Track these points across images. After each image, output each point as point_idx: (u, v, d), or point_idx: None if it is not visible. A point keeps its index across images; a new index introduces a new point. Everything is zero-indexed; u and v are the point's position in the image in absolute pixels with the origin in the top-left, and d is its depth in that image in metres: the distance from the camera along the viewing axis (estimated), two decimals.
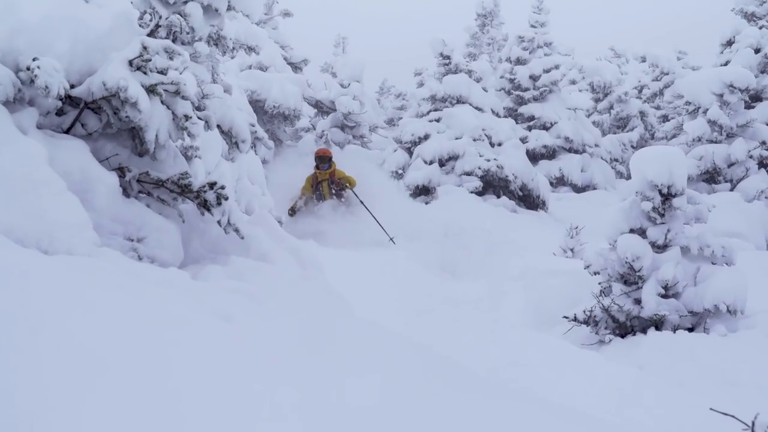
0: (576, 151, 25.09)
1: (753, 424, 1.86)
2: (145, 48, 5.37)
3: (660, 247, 8.36)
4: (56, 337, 2.74)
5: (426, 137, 21.90)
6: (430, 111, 22.80)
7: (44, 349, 2.64)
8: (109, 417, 2.41)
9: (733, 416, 2.03)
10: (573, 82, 32.00)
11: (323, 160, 16.48)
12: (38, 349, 2.63)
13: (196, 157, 8.01)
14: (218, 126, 5.91)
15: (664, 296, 8.14)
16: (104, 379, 2.60)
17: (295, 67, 24.92)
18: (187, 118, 5.61)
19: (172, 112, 5.61)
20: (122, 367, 2.71)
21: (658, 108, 30.35)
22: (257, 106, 21.96)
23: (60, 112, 5.45)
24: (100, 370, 2.64)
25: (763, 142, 17.52)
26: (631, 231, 8.46)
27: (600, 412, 4.90)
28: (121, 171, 5.49)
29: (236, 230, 5.76)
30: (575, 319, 8.60)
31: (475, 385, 4.20)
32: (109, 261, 4.40)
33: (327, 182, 16.55)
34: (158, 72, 5.49)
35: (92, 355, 2.73)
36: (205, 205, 5.63)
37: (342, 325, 4.74)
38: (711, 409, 2.07)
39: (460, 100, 22.37)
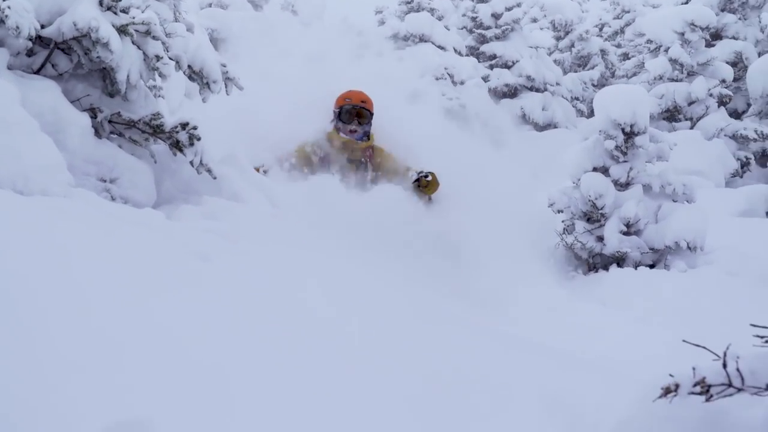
0: (537, 90, 25.09)
1: (725, 354, 1.94)
2: None
3: (622, 185, 8.51)
4: (46, 282, 2.79)
5: None
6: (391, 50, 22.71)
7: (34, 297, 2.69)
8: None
9: (704, 347, 2.11)
10: (534, 20, 31.74)
11: (360, 115, 8.57)
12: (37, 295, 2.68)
13: (159, 96, 7.96)
14: (189, 66, 5.87)
15: (626, 233, 8.31)
16: (94, 322, 2.66)
17: (256, 5, 24.60)
18: (158, 58, 5.58)
19: (143, 53, 5.58)
20: (110, 309, 2.77)
21: (618, 46, 30.38)
22: (217, 45, 21.70)
23: (30, 53, 5.39)
24: (89, 311, 2.70)
25: (723, 81, 17.70)
26: (594, 169, 8.58)
27: (567, 347, 5.03)
28: (92, 112, 5.47)
29: (209, 170, 5.78)
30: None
31: (446, 321, 4.32)
32: (84, 201, 4.43)
33: (358, 161, 8.58)
34: (121, 11, 5.44)
35: (78, 293, 2.79)
36: (177, 146, 5.64)
37: (311, 261, 4.84)
38: (684, 341, 2.18)
39: (422, 39, 22.28)
